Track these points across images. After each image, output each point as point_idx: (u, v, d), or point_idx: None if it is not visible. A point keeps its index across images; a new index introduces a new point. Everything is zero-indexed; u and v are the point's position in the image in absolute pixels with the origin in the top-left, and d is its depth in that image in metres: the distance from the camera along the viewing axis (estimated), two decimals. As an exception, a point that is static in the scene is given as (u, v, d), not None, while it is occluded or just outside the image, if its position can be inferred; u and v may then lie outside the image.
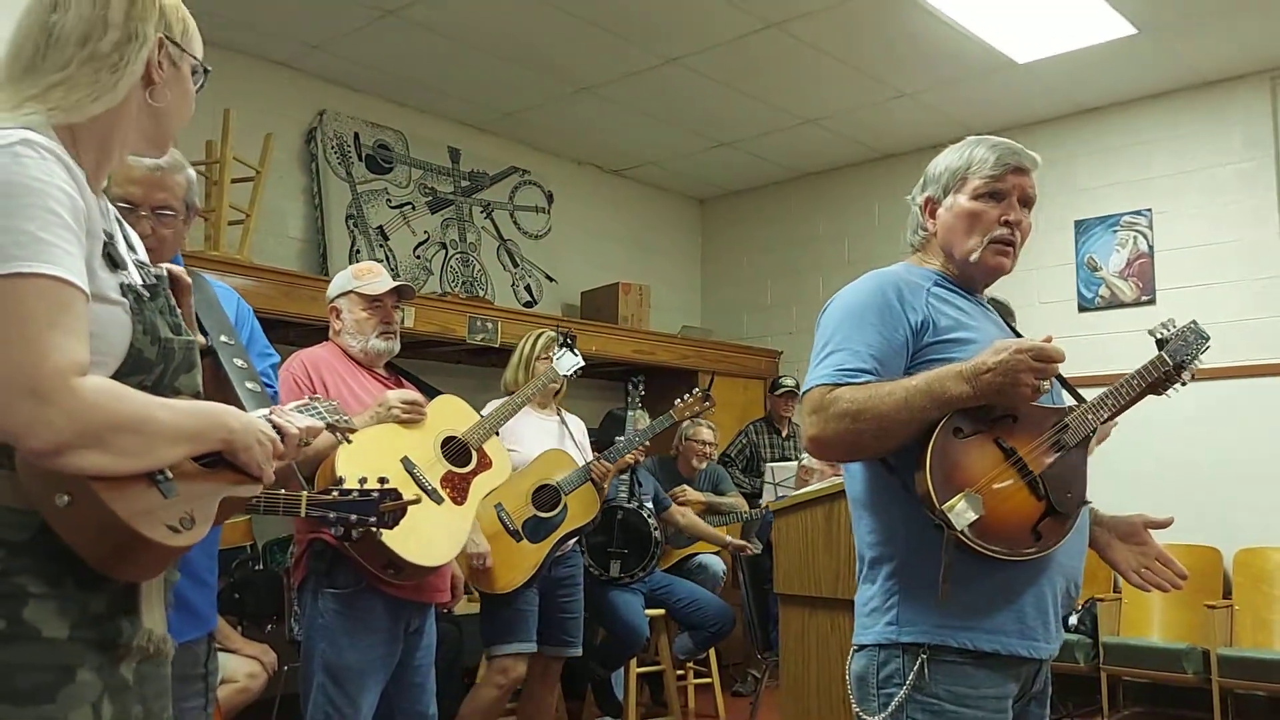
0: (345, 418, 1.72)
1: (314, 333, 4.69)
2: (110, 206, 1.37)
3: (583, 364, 3.65)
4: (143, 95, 1.32)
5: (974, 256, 1.81)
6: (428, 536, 2.64)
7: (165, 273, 1.40)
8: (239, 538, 4.26)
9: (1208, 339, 1.91)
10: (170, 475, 1.22)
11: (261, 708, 3.77)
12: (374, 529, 1.49)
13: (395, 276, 3.35)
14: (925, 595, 1.66)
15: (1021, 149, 1.84)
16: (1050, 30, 4.88)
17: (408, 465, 2.74)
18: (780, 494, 4.85)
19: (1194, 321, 1.92)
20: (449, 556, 2.74)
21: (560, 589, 3.73)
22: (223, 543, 3.09)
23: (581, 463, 3.73)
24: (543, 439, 3.73)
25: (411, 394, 2.84)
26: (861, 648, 1.75)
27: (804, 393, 1.73)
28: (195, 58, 1.39)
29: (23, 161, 1.17)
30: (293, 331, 4.71)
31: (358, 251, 5.38)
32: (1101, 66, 5.27)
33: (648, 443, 4.06)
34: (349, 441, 2.22)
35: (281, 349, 2.48)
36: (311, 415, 1.57)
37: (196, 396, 1.37)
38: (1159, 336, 1.90)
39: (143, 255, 1.41)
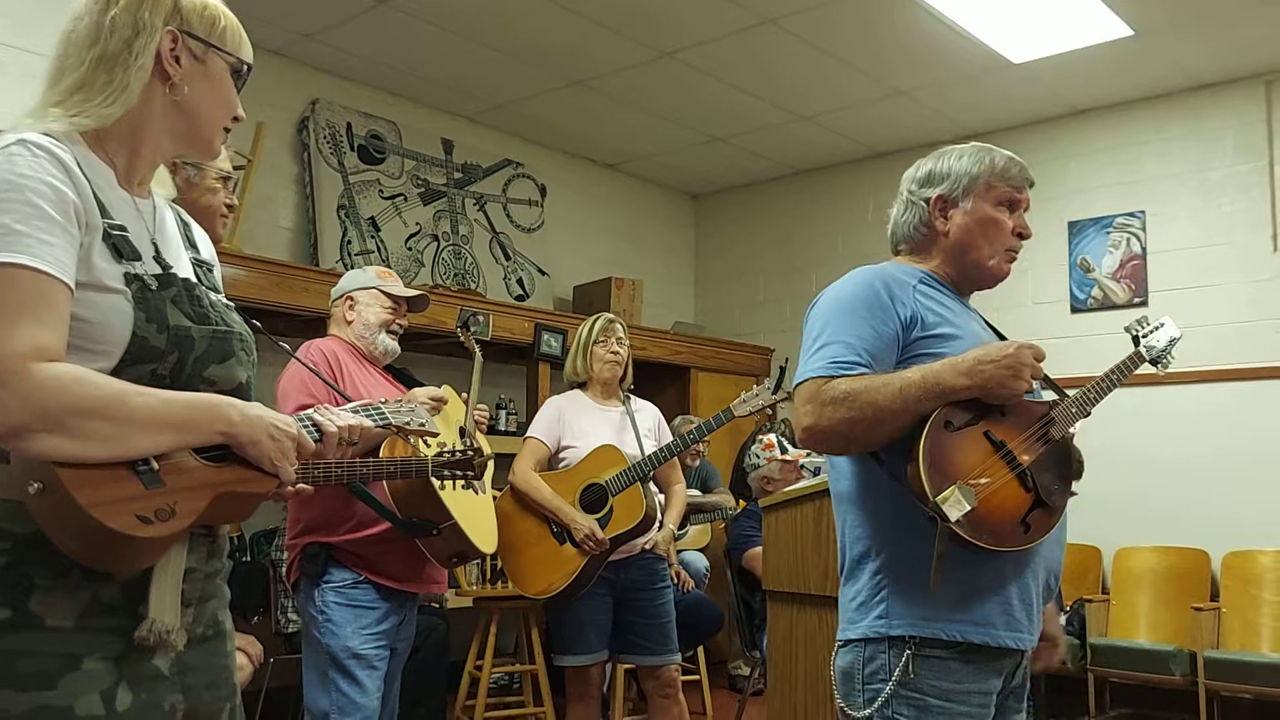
0: (423, 421, 1.72)
1: (304, 323, 4.67)
2: (156, 204, 1.42)
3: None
4: (163, 92, 1.35)
5: (991, 262, 1.87)
6: (484, 525, 2.87)
7: (209, 267, 1.47)
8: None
9: (1179, 336, 2.10)
10: (155, 465, 1.20)
11: (248, 699, 3.74)
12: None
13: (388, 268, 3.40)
14: (914, 588, 1.67)
15: (1026, 165, 1.91)
16: (1046, 30, 4.88)
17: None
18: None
19: (1166, 318, 2.10)
20: (496, 540, 2.96)
21: (636, 593, 3.49)
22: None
23: (640, 456, 3.48)
24: (601, 433, 3.53)
25: (434, 390, 2.90)
26: (847, 643, 1.75)
27: (797, 384, 1.72)
28: (230, 55, 1.40)
29: (13, 160, 1.21)
30: (282, 322, 4.68)
31: (349, 242, 5.35)
32: (1097, 68, 5.26)
33: (706, 440, 3.88)
34: (427, 445, 2.32)
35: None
36: (369, 416, 1.54)
37: (237, 388, 1.37)
38: (1135, 334, 2.08)
39: (205, 254, 1.49)
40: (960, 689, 1.66)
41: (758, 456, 4.58)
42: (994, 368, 1.63)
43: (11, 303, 1.15)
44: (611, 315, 3.71)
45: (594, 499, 3.44)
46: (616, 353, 3.60)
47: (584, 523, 3.36)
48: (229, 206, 2.24)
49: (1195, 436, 5.22)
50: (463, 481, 2.19)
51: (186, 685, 1.31)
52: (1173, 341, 2.11)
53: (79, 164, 1.27)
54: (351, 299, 2.98)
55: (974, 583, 1.67)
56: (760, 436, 4.86)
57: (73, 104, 1.30)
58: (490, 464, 3.07)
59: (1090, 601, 5.08)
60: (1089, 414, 1.82)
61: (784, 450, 4.51)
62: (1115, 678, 4.99)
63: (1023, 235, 1.88)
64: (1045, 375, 1.81)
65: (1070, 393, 1.84)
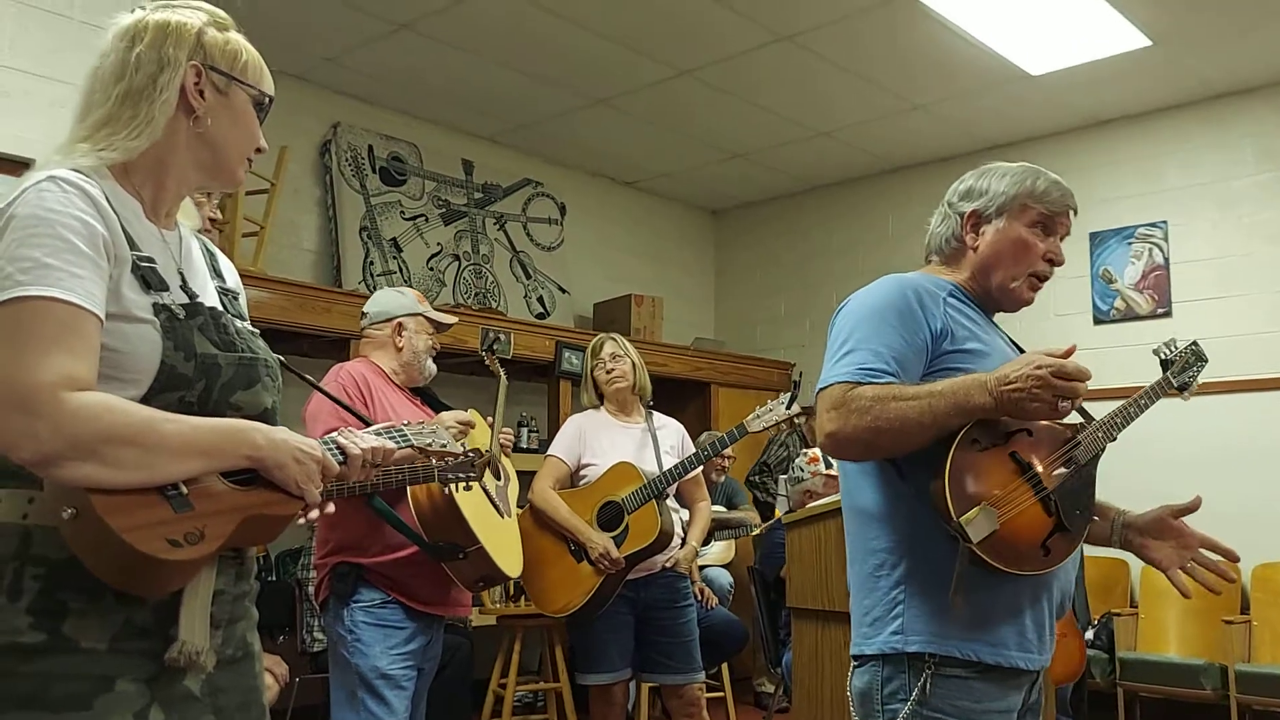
0: (444, 443, 1.73)
1: (328, 344, 4.71)
2: (182, 235, 1.45)
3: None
4: (188, 125, 1.38)
5: (1013, 285, 1.84)
6: (510, 548, 2.87)
7: (235, 296, 1.50)
8: (251, 549, 4.26)
9: (1207, 361, 2.04)
10: (184, 490, 1.22)
11: (274, 719, 3.76)
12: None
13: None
14: (932, 603, 1.65)
15: (1071, 191, 1.88)
16: (1064, 42, 4.87)
17: (481, 485, 2.82)
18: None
19: (1195, 342, 2.04)
20: (522, 563, 2.96)
21: (659, 612, 3.48)
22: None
23: (658, 473, 3.46)
24: (622, 450, 3.53)
25: (461, 415, 2.91)
26: (864, 662, 1.72)
27: (821, 389, 1.68)
28: (252, 87, 1.43)
29: (43, 196, 1.25)
30: (306, 343, 4.72)
31: (371, 263, 5.40)
32: (1115, 78, 5.25)
33: (728, 454, 3.83)
34: (467, 488, 2.43)
35: (295, 360, 2.49)
36: (392, 438, 1.56)
37: (263, 413, 1.39)
38: (1164, 357, 2.03)
39: (231, 283, 1.52)
40: (981, 708, 1.64)
41: (802, 470, 4.58)
42: (1012, 389, 1.58)
43: (43, 334, 1.18)
44: (602, 335, 3.72)
45: (610, 517, 3.44)
46: (612, 369, 3.61)
47: (599, 541, 3.37)
48: (213, 220, 2.24)
49: (1220, 447, 5.17)
50: (464, 484, 2.29)
51: (218, 706, 1.33)
52: (1201, 366, 2.05)
53: (107, 198, 1.30)
54: (401, 325, 2.98)
55: (990, 604, 1.65)
56: (805, 450, 4.85)
57: (100, 138, 1.34)
58: (514, 484, 3.08)
59: (1119, 615, 5.03)
60: (1115, 438, 1.79)
61: (829, 465, 4.50)
62: (1145, 692, 4.93)
63: (1054, 261, 1.84)
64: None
65: (1096, 414, 1.80)
